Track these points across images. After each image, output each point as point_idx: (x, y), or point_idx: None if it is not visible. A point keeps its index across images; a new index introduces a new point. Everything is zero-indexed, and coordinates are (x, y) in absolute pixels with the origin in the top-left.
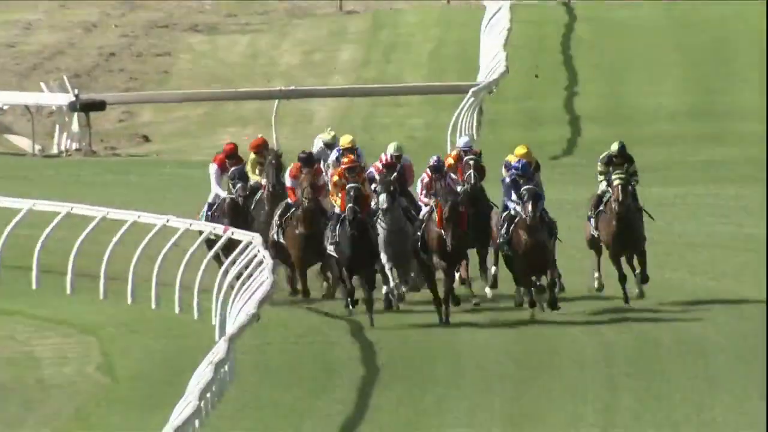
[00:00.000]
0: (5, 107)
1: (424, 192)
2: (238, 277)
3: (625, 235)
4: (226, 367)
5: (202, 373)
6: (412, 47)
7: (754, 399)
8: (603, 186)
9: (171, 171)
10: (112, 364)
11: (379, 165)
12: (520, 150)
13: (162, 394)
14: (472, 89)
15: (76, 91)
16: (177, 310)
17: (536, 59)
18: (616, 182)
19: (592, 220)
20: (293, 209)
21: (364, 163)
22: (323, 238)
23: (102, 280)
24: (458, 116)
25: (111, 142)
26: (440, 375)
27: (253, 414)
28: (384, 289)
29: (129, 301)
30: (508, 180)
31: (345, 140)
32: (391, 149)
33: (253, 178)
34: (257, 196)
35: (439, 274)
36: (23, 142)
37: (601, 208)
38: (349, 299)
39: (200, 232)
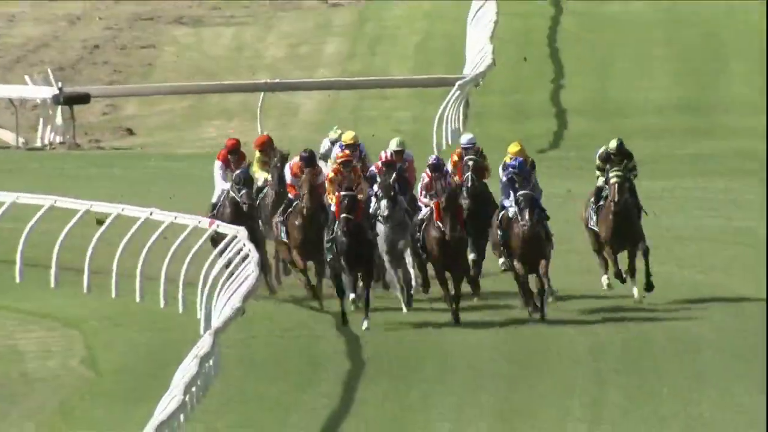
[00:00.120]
0: None
1: (423, 192)
2: (227, 265)
3: (623, 229)
4: (211, 361)
5: (187, 367)
6: (399, 40)
7: (742, 394)
8: (600, 181)
9: (155, 164)
10: (96, 357)
11: (380, 163)
12: (514, 148)
13: (146, 387)
14: (459, 82)
15: (60, 84)
16: (162, 303)
17: (523, 52)
18: (612, 180)
19: (593, 214)
20: (294, 203)
21: (365, 156)
22: (323, 234)
23: (86, 274)
24: (445, 109)
25: (95, 135)
26: (427, 370)
27: (238, 408)
28: (396, 292)
29: (113, 294)
30: (504, 179)
31: (347, 136)
32: (393, 145)
33: (259, 174)
34: (263, 193)
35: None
36: (7, 135)
37: (601, 203)
38: (351, 295)
39: (198, 230)
